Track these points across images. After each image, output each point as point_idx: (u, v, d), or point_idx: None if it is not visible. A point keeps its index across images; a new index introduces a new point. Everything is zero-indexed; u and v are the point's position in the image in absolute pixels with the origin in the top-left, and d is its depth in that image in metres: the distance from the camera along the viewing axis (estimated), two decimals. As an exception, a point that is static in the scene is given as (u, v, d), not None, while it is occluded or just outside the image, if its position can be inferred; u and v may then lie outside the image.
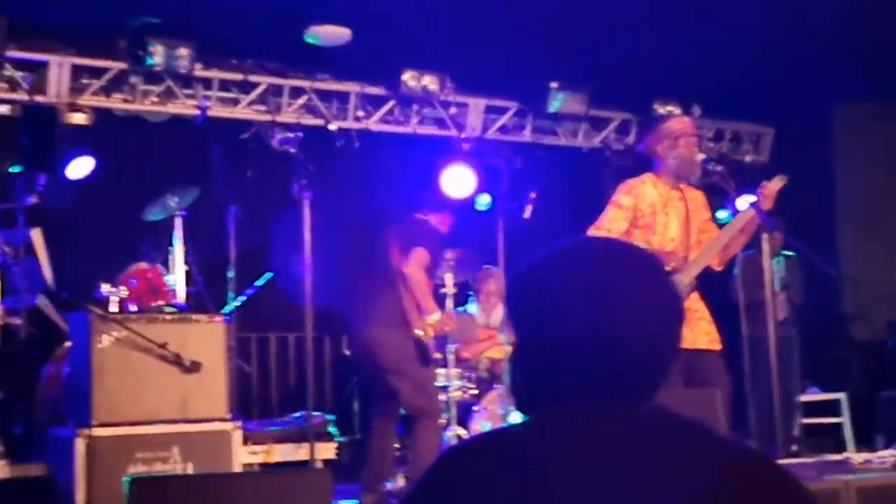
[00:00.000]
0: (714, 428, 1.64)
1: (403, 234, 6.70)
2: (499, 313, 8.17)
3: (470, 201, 9.35)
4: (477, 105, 9.40)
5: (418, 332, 6.50)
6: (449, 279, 7.14)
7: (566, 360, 1.64)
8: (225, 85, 8.49)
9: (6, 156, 7.60)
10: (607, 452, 1.55)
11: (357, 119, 8.97)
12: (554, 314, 1.64)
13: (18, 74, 7.84)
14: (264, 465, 6.84)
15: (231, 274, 6.48)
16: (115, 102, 8.21)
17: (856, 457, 5.71)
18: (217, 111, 8.25)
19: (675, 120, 6.21)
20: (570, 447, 1.57)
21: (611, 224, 5.71)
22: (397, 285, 6.53)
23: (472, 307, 8.34)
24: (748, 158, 10.55)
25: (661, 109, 9.40)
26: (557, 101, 9.06)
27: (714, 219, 6.09)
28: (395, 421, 6.70)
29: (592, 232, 5.72)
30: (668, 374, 1.70)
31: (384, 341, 6.50)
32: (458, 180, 8.57)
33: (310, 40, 7.86)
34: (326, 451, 6.94)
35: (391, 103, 9.05)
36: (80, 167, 7.83)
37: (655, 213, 5.76)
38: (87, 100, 8.01)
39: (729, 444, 1.60)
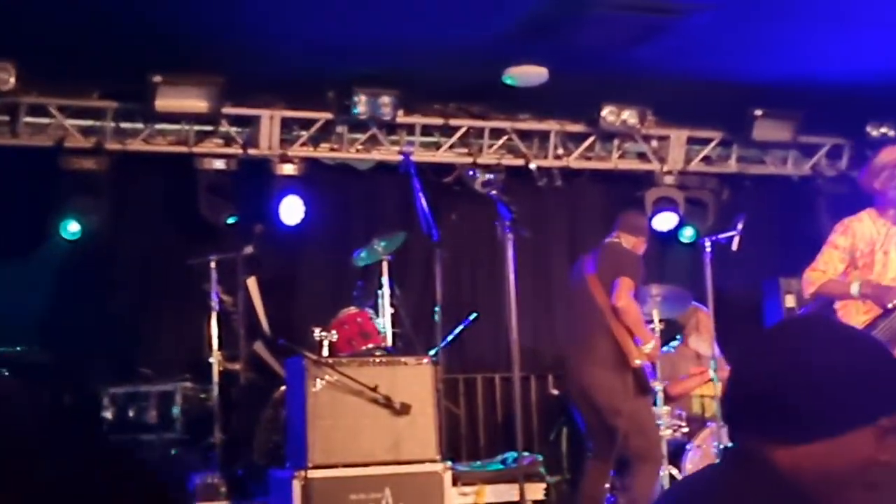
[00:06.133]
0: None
1: (601, 264, 6.57)
2: (707, 348, 7.87)
3: (674, 235, 9.19)
4: (679, 137, 9.22)
5: (637, 361, 6.33)
6: (656, 315, 6.93)
7: None
8: (427, 129, 8.65)
9: (223, 208, 7.95)
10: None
11: (558, 157, 8.96)
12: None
13: (233, 130, 8.21)
14: (475, 506, 6.85)
15: (437, 315, 6.55)
16: (323, 152, 8.50)
17: None
18: (420, 156, 8.38)
19: (886, 152, 5.89)
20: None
21: (826, 265, 5.58)
22: (606, 320, 6.40)
23: (683, 343, 8.12)
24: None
25: (875, 132, 9.01)
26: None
27: None
28: (609, 464, 6.49)
29: (808, 273, 5.61)
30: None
31: (600, 382, 6.39)
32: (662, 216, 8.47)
33: (508, 81, 7.91)
34: (535, 491, 6.90)
35: (591, 139, 8.99)
36: (291, 210, 8.08)
37: (874, 252, 5.54)
38: (296, 151, 8.32)
39: None
